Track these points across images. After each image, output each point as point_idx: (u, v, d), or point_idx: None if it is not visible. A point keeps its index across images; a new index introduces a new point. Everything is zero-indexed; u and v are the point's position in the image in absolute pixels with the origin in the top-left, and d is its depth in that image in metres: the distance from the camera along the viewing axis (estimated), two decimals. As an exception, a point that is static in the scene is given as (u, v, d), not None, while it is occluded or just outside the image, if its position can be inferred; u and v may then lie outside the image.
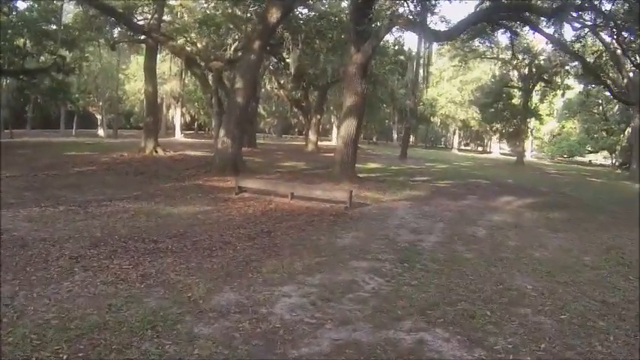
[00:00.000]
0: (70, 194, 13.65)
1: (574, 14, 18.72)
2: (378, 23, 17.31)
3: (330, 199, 13.86)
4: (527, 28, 24.22)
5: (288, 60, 30.58)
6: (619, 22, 19.03)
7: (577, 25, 20.52)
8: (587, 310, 6.38)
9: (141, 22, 28.99)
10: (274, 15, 19.11)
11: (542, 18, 18.43)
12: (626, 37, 20.54)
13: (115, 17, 26.58)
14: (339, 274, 7.31)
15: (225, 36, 27.14)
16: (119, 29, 32.30)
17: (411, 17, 16.80)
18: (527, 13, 17.44)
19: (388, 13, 15.52)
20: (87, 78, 49.76)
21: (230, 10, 26.28)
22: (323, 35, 28.95)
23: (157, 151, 26.95)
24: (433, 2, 17.83)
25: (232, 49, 26.33)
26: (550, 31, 20.45)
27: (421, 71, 36.24)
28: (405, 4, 17.24)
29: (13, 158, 21.32)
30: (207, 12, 29.13)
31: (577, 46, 22.56)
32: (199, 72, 29.46)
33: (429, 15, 17.59)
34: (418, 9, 16.85)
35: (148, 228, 9.78)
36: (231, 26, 26.61)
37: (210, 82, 29.65)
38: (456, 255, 8.96)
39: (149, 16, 28.61)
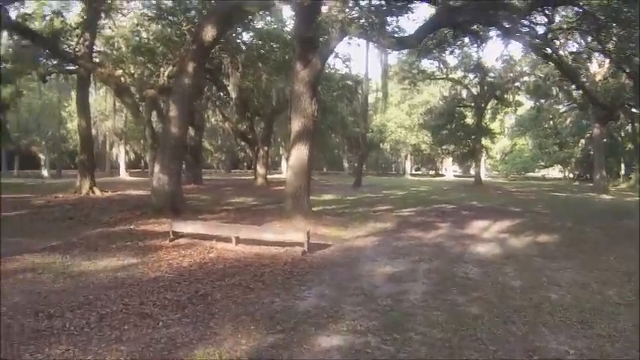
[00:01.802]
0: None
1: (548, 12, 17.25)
2: (327, 35, 15.30)
3: (283, 241, 11.44)
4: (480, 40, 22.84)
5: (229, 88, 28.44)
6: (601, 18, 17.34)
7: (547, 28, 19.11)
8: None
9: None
10: (209, 33, 16.86)
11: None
12: (605, 36, 19.14)
13: (40, 44, 23.89)
14: (305, 365, 4.97)
15: (162, 63, 24.83)
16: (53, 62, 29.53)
17: (365, 23, 14.65)
18: (500, 12, 15.49)
19: (339, 18, 13.41)
20: (28, 116, 47.92)
21: (164, 34, 24.01)
22: (265, 58, 26.94)
23: (93, 192, 24.56)
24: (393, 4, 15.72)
25: (166, 74, 23.94)
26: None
27: (372, 94, 35.08)
28: (358, 9, 15.16)
29: None
30: (141, 38, 26.76)
31: (548, 50, 21.13)
32: (130, 102, 27.01)
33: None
34: (373, 17, 14.69)
35: (49, 294, 7.36)
36: (167, 51, 24.34)
37: (143, 113, 27.26)
38: (458, 311, 6.70)
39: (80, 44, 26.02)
